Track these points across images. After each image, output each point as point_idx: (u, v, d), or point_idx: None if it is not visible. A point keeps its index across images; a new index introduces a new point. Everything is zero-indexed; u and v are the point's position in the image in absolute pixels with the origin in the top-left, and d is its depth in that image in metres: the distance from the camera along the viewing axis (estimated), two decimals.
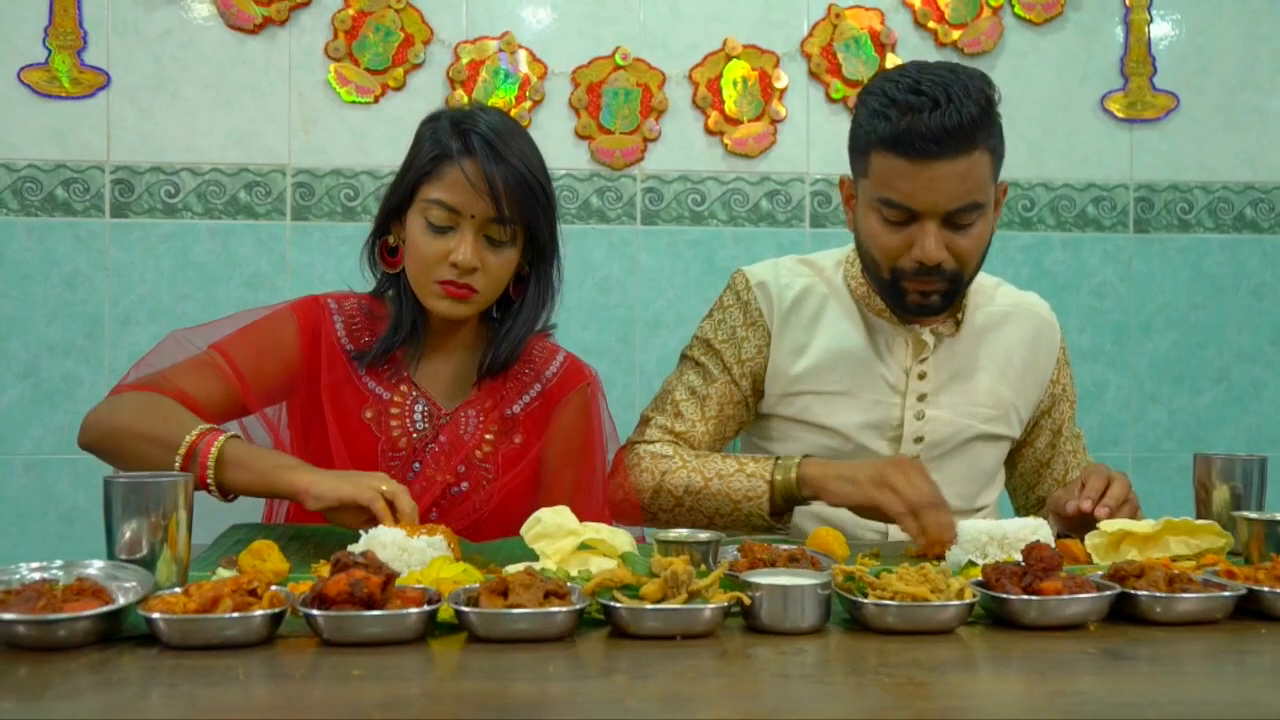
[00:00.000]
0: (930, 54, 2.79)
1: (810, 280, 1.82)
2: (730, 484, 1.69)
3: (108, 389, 2.63)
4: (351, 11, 2.68)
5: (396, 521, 1.38)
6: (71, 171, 2.64)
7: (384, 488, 1.41)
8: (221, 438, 1.50)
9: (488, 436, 1.75)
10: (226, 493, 1.53)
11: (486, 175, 1.62)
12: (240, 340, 1.71)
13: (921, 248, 1.61)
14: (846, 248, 1.86)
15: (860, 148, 1.67)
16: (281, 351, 1.72)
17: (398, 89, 2.70)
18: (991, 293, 1.86)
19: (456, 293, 1.65)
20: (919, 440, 1.77)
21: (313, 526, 1.63)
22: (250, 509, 1.72)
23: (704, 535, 1.27)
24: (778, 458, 1.70)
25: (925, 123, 1.55)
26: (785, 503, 1.68)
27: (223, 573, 1.21)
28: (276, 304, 1.80)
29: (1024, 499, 1.93)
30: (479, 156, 1.62)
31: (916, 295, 1.67)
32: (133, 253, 2.66)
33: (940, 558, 1.47)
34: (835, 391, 1.77)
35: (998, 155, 1.65)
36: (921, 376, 1.78)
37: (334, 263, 2.68)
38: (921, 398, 1.78)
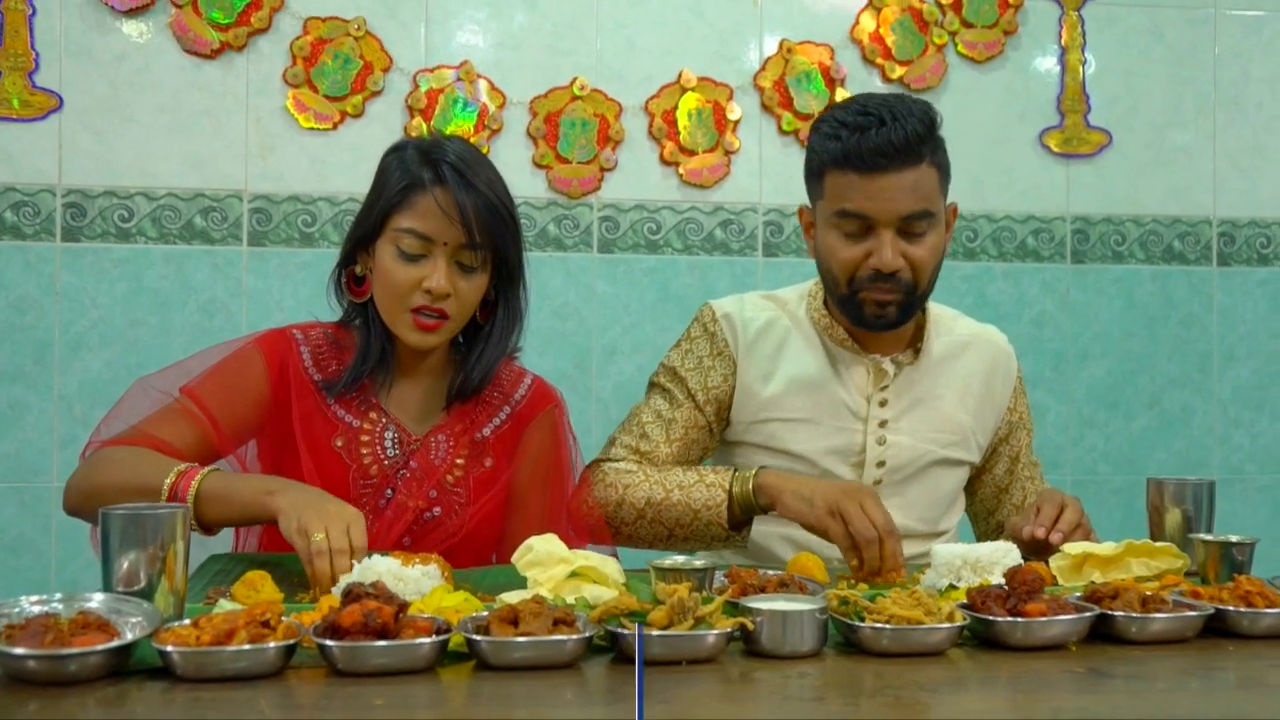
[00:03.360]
0: (877, 89, 2.88)
1: (774, 314, 1.89)
2: (691, 494, 1.73)
3: (57, 416, 2.62)
4: (310, 38, 2.68)
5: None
6: (21, 195, 2.60)
7: (333, 542, 1.39)
8: (199, 476, 1.50)
9: (459, 461, 1.76)
10: (209, 528, 1.53)
11: (458, 203, 1.65)
12: (209, 382, 1.70)
13: (879, 255, 1.70)
14: (809, 283, 1.92)
15: (815, 171, 1.76)
16: (251, 389, 1.71)
17: (356, 116, 2.70)
18: (950, 324, 1.93)
19: (426, 324, 1.67)
20: (881, 465, 1.82)
21: (292, 556, 1.63)
22: (223, 538, 1.71)
23: (699, 562, 1.30)
24: (736, 468, 1.74)
25: (873, 139, 1.67)
26: (744, 513, 1.72)
27: (224, 604, 1.21)
28: (242, 337, 1.79)
29: (984, 524, 2.00)
30: (450, 185, 1.65)
31: (874, 306, 1.75)
32: (84, 277, 2.62)
33: (890, 583, 1.52)
34: (800, 418, 1.82)
35: (944, 171, 1.75)
36: (883, 403, 1.83)
37: (291, 289, 2.67)
38: (883, 424, 1.83)
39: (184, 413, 1.66)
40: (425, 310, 1.67)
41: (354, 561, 1.35)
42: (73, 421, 2.59)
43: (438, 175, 1.66)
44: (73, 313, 2.62)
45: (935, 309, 1.91)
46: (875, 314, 1.75)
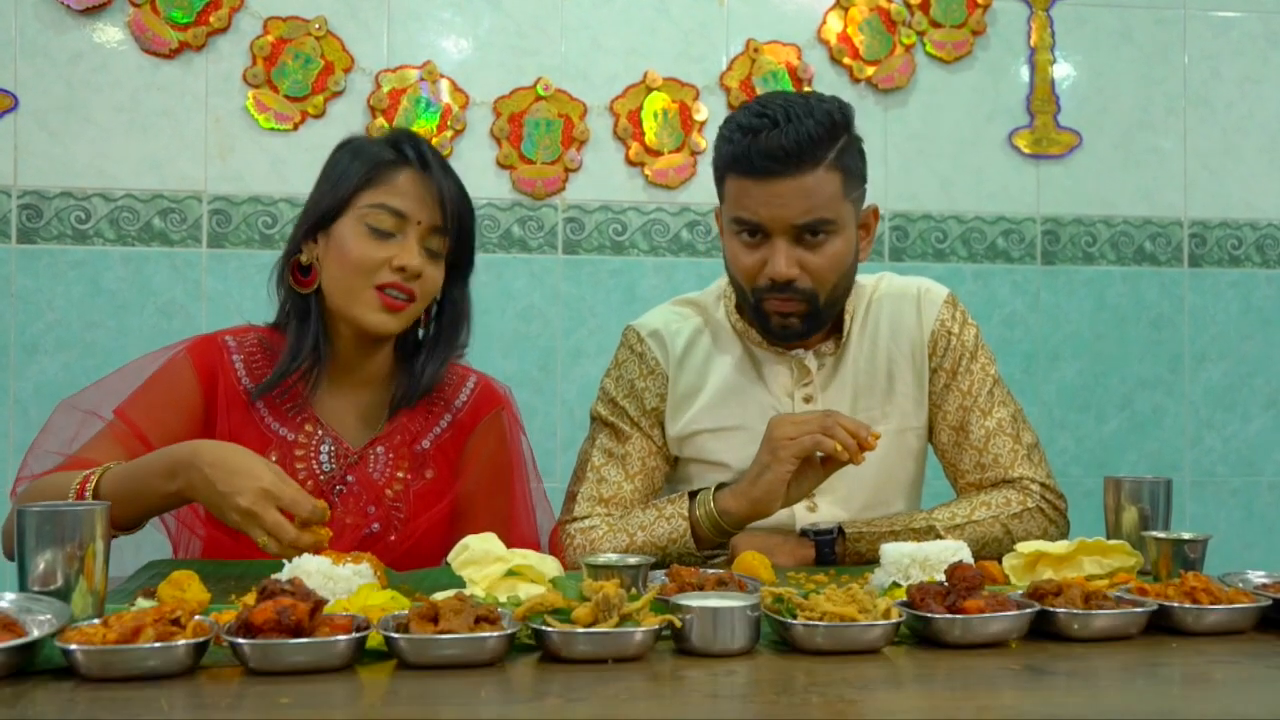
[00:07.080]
0: (845, 89, 2.86)
1: (696, 322, 1.84)
2: (654, 532, 1.69)
3: (13, 419, 2.58)
4: (271, 38, 2.66)
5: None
6: None
7: (257, 508, 1.38)
8: (93, 480, 1.46)
9: (399, 475, 1.71)
10: (125, 527, 1.49)
11: (436, 183, 1.64)
12: (140, 400, 1.65)
13: (773, 264, 1.65)
14: (723, 281, 1.86)
15: (718, 176, 1.72)
16: (183, 401, 1.67)
17: (317, 116, 2.68)
18: (868, 295, 1.83)
19: (393, 303, 1.63)
20: None
21: (232, 562, 1.59)
22: (164, 544, 1.68)
23: (633, 559, 1.27)
24: (692, 493, 1.70)
25: (765, 141, 1.60)
26: (718, 533, 1.67)
27: (143, 603, 1.18)
28: (171, 346, 1.73)
29: (952, 472, 1.85)
30: (430, 166, 1.65)
31: (777, 316, 1.70)
32: (40, 279, 2.58)
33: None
34: (727, 427, 1.78)
35: (850, 174, 1.67)
36: (807, 400, 1.78)
37: (251, 291, 2.63)
38: None
39: (115, 436, 1.61)
40: (394, 288, 1.63)
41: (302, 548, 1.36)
42: (28, 426, 2.55)
43: (414, 154, 1.65)
44: (28, 315, 2.59)
45: (860, 282, 1.82)
46: (780, 324, 1.70)
